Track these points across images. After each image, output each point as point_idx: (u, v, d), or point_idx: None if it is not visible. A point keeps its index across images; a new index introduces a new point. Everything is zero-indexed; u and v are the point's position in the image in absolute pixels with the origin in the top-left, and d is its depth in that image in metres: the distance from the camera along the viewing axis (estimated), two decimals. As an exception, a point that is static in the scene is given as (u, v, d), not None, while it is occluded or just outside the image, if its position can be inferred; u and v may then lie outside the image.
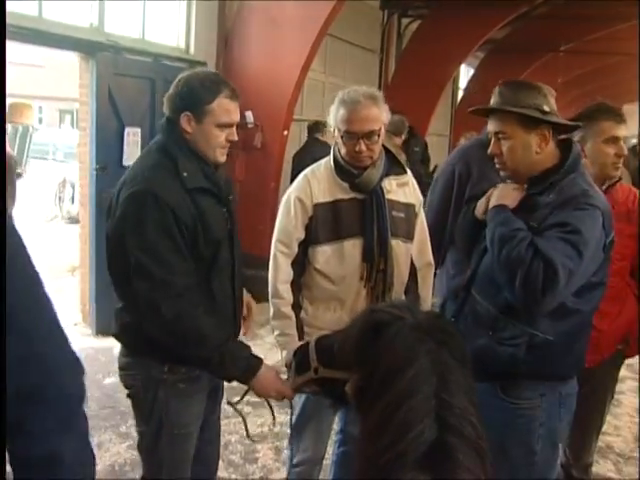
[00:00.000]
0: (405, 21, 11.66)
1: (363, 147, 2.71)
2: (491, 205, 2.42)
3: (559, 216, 2.23)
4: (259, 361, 2.33)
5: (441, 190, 3.42)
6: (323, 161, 2.94)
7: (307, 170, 2.94)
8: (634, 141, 14.59)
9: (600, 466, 4.07)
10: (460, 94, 15.74)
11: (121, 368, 2.50)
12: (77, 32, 5.63)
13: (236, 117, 2.44)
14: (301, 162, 9.08)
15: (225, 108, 2.40)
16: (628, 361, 3.44)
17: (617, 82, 17.57)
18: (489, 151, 2.45)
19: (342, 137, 2.74)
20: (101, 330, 5.84)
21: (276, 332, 2.86)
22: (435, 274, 3.15)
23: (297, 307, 2.88)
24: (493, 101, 2.43)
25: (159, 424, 2.42)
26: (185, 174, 2.34)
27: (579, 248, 2.16)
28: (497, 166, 2.47)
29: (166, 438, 2.43)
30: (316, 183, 2.85)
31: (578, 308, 2.29)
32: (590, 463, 3.49)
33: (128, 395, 2.51)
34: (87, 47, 5.68)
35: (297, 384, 2.14)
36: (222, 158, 2.47)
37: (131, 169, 2.39)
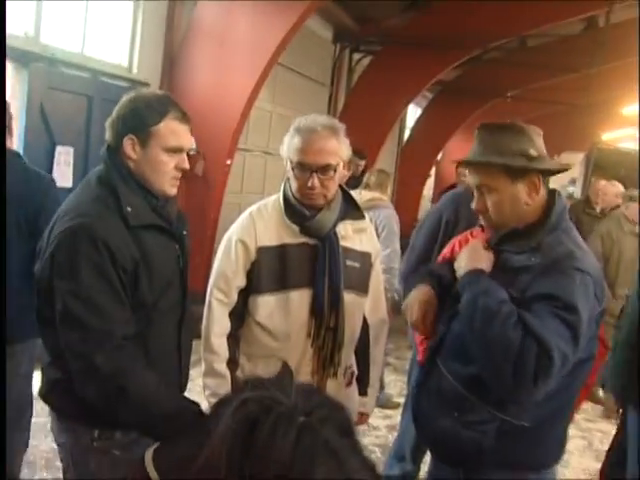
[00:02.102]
0: (357, 56, 11.53)
1: (316, 182, 2.39)
2: (462, 268, 2.09)
3: (544, 284, 1.92)
4: None
5: (426, 234, 3.25)
6: (272, 198, 2.61)
7: (253, 207, 2.61)
8: (571, 189, 14.89)
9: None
10: (407, 133, 15.72)
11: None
12: (10, 40, 5.21)
13: (187, 142, 2.13)
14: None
15: (173, 130, 2.09)
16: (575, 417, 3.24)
17: (559, 130, 17.87)
18: (473, 207, 2.15)
19: (294, 170, 2.42)
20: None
21: (207, 391, 2.51)
22: None
23: (233, 363, 2.53)
24: (473, 149, 2.13)
25: None
26: (129, 209, 2.02)
27: (575, 329, 1.87)
28: (482, 223, 2.18)
29: None
30: (262, 223, 2.51)
31: (562, 389, 1.98)
32: None
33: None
34: (20, 57, 5.24)
35: None
36: (172, 190, 2.15)
37: (66, 202, 2.08)
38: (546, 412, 1.98)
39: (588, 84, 12.24)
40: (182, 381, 2.29)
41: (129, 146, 2.06)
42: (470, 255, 2.12)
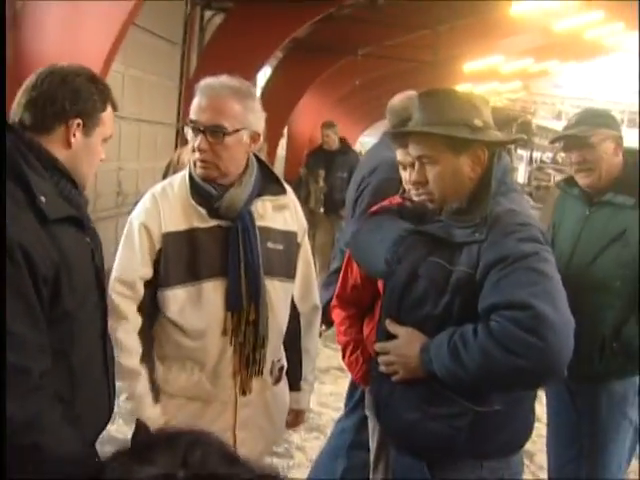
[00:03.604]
0: (208, 14, 11.08)
1: (203, 144, 2.14)
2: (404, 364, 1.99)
3: (492, 250, 1.82)
4: None
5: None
6: (178, 176, 2.32)
7: (156, 187, 2.32)
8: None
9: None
10: (258, 92, 15.44)
11: None
12: None
13: None
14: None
15: (111, 118, 1.85)
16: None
17: (407, 87, 18.19)
18: (412, 179, 2.02)
19: (188, 132, 2.20)
20: None
21: (122, 396, 2.21)
22: None
23: (150, 362, 2.26)
24: (414, 118, 1.99)
25: None
26: (42, 199, 1.69)
27: (534, 266, 1.78)
28: (421, 196, 2.03)
29: None
30: (167, 206, 2.24)
31: None
32: None
33: None
34: None
35: None
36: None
37: None
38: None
39: (436, 41, 12.51)
40: (111, 405, 2.02)
41: (70, 132, 1.77)
42: (403, 352, 2.01)
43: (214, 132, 2.15)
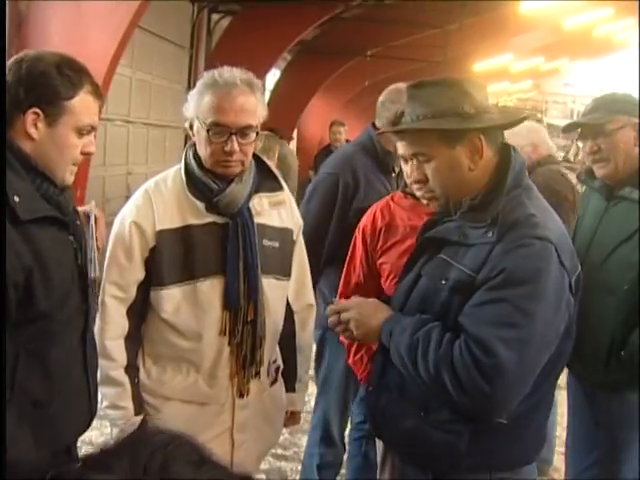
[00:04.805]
0: (215, 17, 11.06)
1: (236, 146, 2.05)
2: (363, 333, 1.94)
3: (497, 262, 1.71)
4: None
5: (321, 201, 2.99)
6: (171, 171, 2.24)
7: (149, 183, 2.24)
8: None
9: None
10: (267, 95, 15.41)
11: None
12: None
13: (97, 121, 1.78)
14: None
15: (87, 107, 1.73)
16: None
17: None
18: (411, 178, 1.91)
19: (208, 132, 2.07)
20: None
21: (105, 403, 2.16)
22: None
23: (133, 368, 2.19)
24: (405, 114, 1.89)
25: None
26: (16, 199, 1.63)
27: (523, 305, 1.67)
28: (424, 195, 1.92)
29: None
30: (160, 202, 2.16)
31: (543, 376, 1.78)
32: None
33: None
34: None
35: None
36: (70, 178, 1.80)
37: None
38: (526, 406, 1.79)
39: (445, 41, 12.42)
40: (92, 408, 1.96)
41: (30, 122, 1.68)
42: (362, 317, 1.96)
43: (245, 133, 2.09)
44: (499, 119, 1.88)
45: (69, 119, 1.72)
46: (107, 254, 2.22)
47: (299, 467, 3.69)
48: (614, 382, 2.54)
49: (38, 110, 1.69)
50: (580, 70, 21.71)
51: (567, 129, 3.00)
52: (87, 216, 2.00)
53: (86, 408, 1.94)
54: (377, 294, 2.42)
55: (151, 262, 2.16)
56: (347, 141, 8.68)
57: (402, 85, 2.68)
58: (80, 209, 2.01)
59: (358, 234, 2.65)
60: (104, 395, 2.17)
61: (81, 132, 1.76)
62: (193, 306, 2.16)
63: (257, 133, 2.12)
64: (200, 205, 2.15)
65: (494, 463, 1.85)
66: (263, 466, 3.66)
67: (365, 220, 2.66)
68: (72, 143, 1.75)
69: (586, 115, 2.73)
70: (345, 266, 2.71)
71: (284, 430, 2.91)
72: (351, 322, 1.94)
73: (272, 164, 4.94)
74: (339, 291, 2.69)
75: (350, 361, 2.68)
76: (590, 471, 2.70)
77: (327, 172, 3.18)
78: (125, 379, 2.17)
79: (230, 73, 2.09)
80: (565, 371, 2.46)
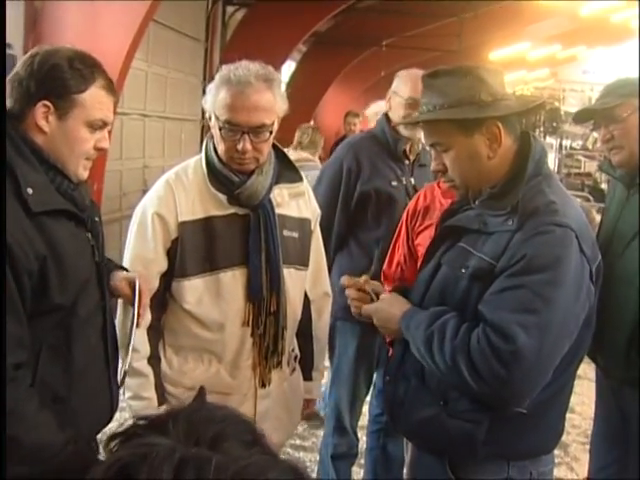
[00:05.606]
0: (230, 9, 11.04)
1: (248, 146, 2.07)
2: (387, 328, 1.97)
3: (516, 249, 1.71)
4: None
5: (328, 185, 3.09)
6: (191, 162, 2.25)
7: (169, 174, 2.24)
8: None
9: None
10: (282, 87, 15.39)
11: None
12: None
13: (111, 117, 1.78)
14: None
15: (100, 102, 1.73)
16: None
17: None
18: (432, 167, 1.92)
19: (221, 129, 2.08)
20: None
21: (128, 394, 2.18)
22: None
23: (155, 359, 2.21)
24: (421, 104, 1.89)
25: None
26: (29, 191, 1.64)
27: (543, 291, 1.66)
28: (446, 184, 1.96)
29: None
30: (182, 193, 2.17)
31: (560, 367, 1.77)
32: None
33: None
34: None
35: None
36: (84, 173, 1.80)
37: None
38: (545, 395, 1.78)
39: (460, 30, 12.35)
40: (113, 404, 1.97)
41: (42, 115, 1.69)
42: (383, 315, 1.98)
43: (259, 132, 2.09)
44: (516, 106, 1.87)
45: (80, 113, 1.73)
46: (128, 244, 2.23)
47: (317, 457, 3.71)
48: (637, 377, 2.46)
49: (48, 103, 1.70)
50: (598, 57, 21.46)
51: (578, 117, 2.89)
52: (133, 285, 2.00)
53: (107, 404, 1.95)
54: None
55: (173, 253, 2.17)
56: (361, 131, 8.65)
57: (415, 71, 2.77)
58: (124, 275, 2.03)
59: (404, 213, 2.71)
60: (127, 386, 2.18)
61: (93, 127, 1.76)
62: (215, 297, 2.18)
63: (271, 132, 2.12)
64: (222, 197, 2.16)
65: (512, 452, 1.85)
66: (282, 456, 3.69)
67: (412, 200, 2.72)
68: (83, 137, 1.75)
69: (597, 102, 2.67)
70: (391, 245, 2.79)
71: (302, 421, 2.93)
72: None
73: (316, 158, 5.08)
74: (384, 269, 2.74)
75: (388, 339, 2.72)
76: (613, 466, 2.65)
77: (333, 158, 3.33)
78: (148, 370, 2.20)
79: (245, 70, 2.08)
80: (588, 362, 2.43)
